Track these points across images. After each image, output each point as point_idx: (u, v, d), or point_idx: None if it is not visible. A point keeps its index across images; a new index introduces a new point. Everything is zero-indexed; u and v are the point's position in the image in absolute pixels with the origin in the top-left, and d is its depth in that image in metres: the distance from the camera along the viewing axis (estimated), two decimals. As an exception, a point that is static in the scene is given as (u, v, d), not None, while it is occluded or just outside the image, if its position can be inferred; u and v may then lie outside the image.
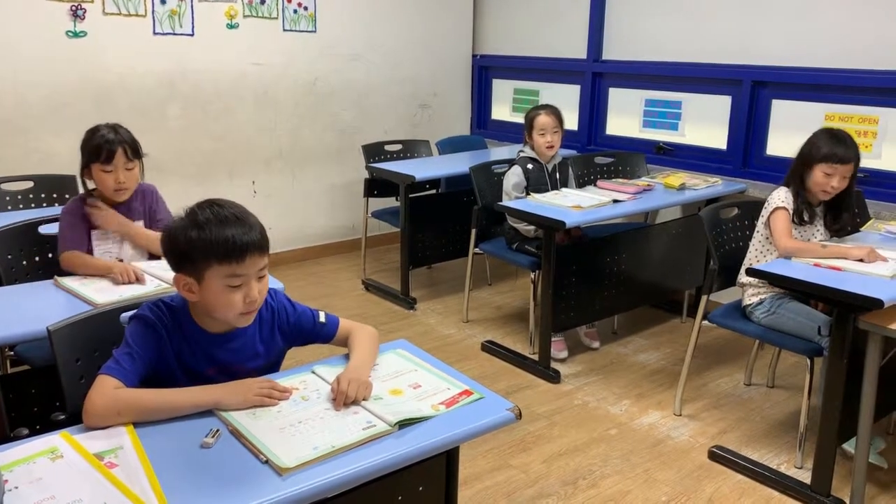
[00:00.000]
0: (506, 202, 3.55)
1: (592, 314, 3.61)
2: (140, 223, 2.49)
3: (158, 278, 2.24)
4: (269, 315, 1.70)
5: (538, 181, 3.72)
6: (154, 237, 2.37)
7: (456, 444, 1.50)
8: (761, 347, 3.33)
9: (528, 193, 3.63)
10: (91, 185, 2.44)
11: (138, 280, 2.22)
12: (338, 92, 4.97)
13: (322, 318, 1.74)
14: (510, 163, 3.80)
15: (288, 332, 1.72)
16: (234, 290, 1.52)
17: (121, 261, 2.37)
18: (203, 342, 1.61)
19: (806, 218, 2.77)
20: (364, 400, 1.51)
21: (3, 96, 3.80)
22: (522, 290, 4.47)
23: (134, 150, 2.39)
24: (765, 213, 2.81)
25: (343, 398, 1.48)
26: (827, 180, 2.71)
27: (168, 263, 1.60)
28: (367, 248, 4.74)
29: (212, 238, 1.50)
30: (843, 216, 2.87)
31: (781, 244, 2.67)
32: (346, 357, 1.70)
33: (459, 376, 1.65)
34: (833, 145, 2.69)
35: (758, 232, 2.86)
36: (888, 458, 2.71)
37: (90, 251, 2.40)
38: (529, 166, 3.72)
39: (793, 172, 2.80)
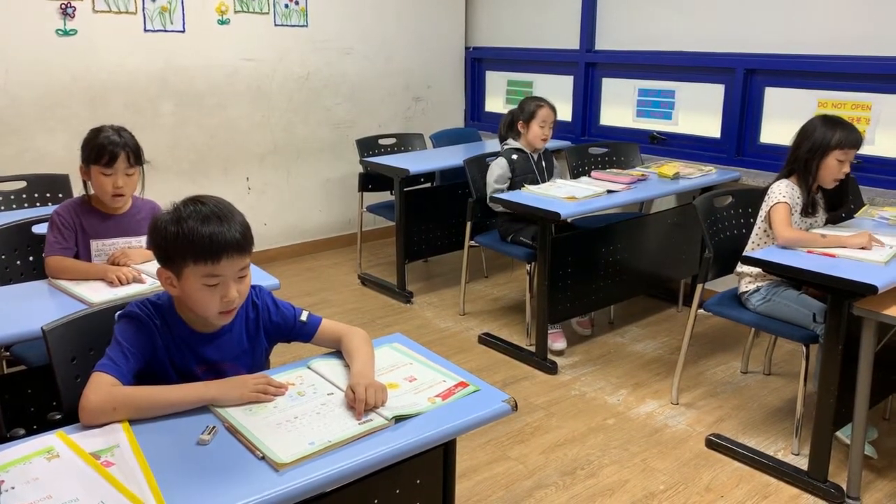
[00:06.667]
0: (501, 195, 3.53)
1: (589, 305, 3.61)
2: (143, 239, 2.42)
3: (153, 276, 2.22)
4: (254, 314, 1.69)
5: (525, 171, 3.71)
6: None
7: (452, 436, 1.50)
8: (757, 335, 3.34)
9: (513, 185, 3.63)
10: (89, 185, 2.40)
11: (136, 280, 2.21)
12: (331, 86, 4.96)
13: (303, 318, 1.72)
14: (496, 155, 3.80)
15: (270, 330, 1.72)
16: (211, 290, 1.52)
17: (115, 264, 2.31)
18: (190, 340, 1.61)
19: (810, 209, 2.76)
20: (383, 404, 1.48)
21: (-5, 96, 3.79)
22: (518, 281, 4.47)
23: (136, 156, 2.36)
24: (765, 206, 2.78)
25: (363, 405, 1.45)
26: (840, 166, 2.69)
27: (154, 256, 1.60)
28: (362, 242, 4.74)
29: (189, 236, 1.49)
30: (847, 200, 2.86)
31: (782, 234, 2.63)
32: (340, 353, 1.70)
33: (455, 369, 1.65)
34: (843, 131, 2.66)
35: (757, 226, 2.85)
36: (885, 442, 2.73)
37: (78, 258, 2.34)
38: (515, 157, 3.71)
39: (800, 163, 2.74)
